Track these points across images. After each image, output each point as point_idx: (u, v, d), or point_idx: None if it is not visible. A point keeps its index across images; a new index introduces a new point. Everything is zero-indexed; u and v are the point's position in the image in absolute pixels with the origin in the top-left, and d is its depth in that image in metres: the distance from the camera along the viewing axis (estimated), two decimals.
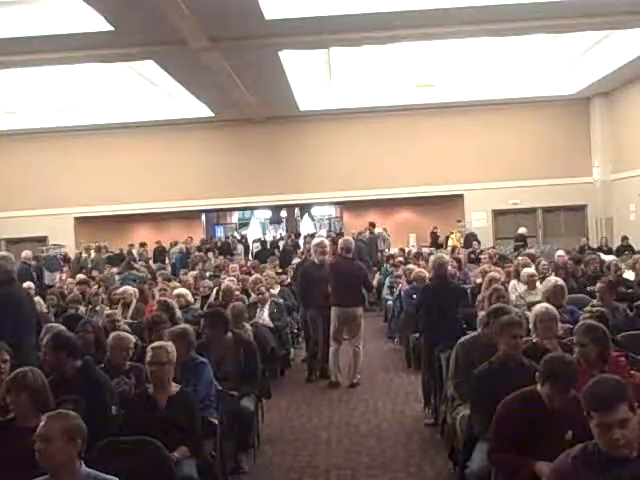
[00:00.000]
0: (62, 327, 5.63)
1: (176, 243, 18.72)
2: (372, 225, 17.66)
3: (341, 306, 8.05)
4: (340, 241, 8.92)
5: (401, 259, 12.88)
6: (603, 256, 11.09)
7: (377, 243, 16.82)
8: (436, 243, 18.46)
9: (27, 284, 9.82)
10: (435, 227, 19.10)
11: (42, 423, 2.96)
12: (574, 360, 3.63)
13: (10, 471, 3.30)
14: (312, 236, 19.58)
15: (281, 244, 20.20)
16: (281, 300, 9.42)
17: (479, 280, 8.73)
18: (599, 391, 2.64)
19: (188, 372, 4.80)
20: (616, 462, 2.57)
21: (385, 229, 18.57)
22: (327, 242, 9.13)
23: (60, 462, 2.89)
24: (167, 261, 18.01)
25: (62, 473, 2.92)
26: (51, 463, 2.89)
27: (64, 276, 13.71)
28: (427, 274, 8.95)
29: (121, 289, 8.49)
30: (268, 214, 28.15)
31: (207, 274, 11.84)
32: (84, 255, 16.79)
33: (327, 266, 8.38)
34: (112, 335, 5.14)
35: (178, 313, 6.62)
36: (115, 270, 12.85)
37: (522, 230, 17.44)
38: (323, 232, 23.67)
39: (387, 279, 12.18)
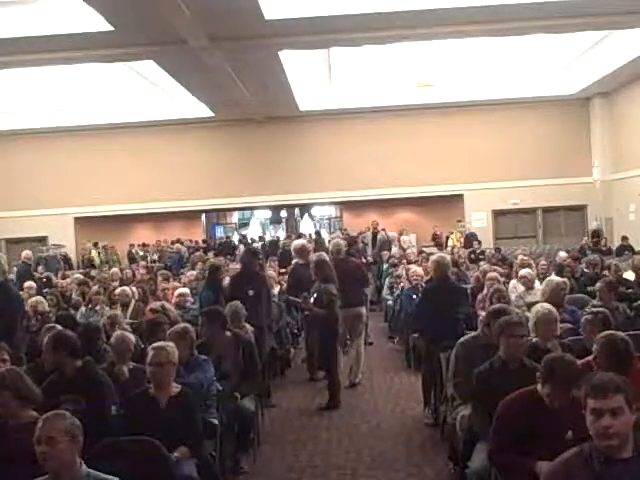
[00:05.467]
0: (60, 327, 5.62)
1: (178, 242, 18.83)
2: (376, 224, 17.48)
3: (343, 307, 8.02)
4: (331, 243, 9.00)
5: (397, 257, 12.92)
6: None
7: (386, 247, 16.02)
8: (438, 243, 18.40)
9: (28, 284, 9.84)
10: (436, 226, 19.08)
11: (40, 425, 2.94)
12: (575, 360, 3.62)
13: (8, 468, 3.31)
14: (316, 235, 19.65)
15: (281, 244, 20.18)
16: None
17: (474, 276, 8.78)
18: (597, 379, 2.68)
19: (190, 370, 4.81)
20: (613, 462, 2.58)
21: (384, 229, 18.55)
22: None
23: (64, 462, 2.89)
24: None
25: (64, 473, 2.91)
26: (56, 464, 2.88)
27: (141, 270, 13.23)
28: (423, 275, 9.01)
29: (119, 289, 8.49)
30: (268, 214, 28.18)
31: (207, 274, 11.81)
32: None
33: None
34: (114, 335, 5.16)
35: (173, 315, 6.60)
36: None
37: (596, 225, 17.48)
38: (324, 232, 23.68)
39: (387, 279, 12.16)
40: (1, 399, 3.58)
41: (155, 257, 18.26)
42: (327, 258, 8.42)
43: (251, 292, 7.35)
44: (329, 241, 13.11)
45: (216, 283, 7.93)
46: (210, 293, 7.68)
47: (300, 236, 21.12)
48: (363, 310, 8.27)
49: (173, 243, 19.16)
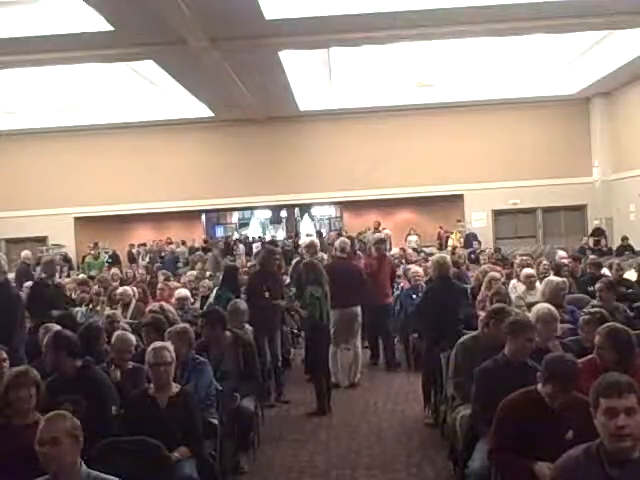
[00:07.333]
0: (59, 327, 5.62)
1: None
2: (378, 224, 17.54)
3: (340, 307, 8.00)
4: (336, 242, 8.97)
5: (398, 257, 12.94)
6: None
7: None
8: (442, 243, 18.43)
9: (28, 284, 9.82)
10: (440, 227, 19.09)
11: (43, 426, 2.93)
12: (575, 360, 3.62)
13: (12, 469, 3.31)
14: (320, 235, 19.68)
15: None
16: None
17: (474, 276, 8.78)
18: (610, 379, 2.66)
19: (189, 371, 4.81)
20: (620, 462, 2.56)
21: (384, 228, 18.57)
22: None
23: (66, 463, 2.88)
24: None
25: (65, 474, 2.90)
26: (58, 465, 2.87)
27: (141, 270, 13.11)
28: (423, 275, 8.98)
29: (120, 289, 8.48)
30: (268, 214, 28.19)
31: (207, 274, 11.83)
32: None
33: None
34: (115, 335, 5.15)
35: (172, 316, 6.60)
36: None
37: (597, 224, 17.53)
38: (324, 231, 23.71)
39: None
40: (27, 393, 3.56)
41: (147, 259, 18.17)
42: (322, 259, 8.43)
43: (267, 294, 7.33)
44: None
45: (235, 284, 7.91)
46: (229, 294, 7.62)
47: (297, 235, 21.23)
48: (359, 309, 8.24)
49: (168, 244, 19.18)
